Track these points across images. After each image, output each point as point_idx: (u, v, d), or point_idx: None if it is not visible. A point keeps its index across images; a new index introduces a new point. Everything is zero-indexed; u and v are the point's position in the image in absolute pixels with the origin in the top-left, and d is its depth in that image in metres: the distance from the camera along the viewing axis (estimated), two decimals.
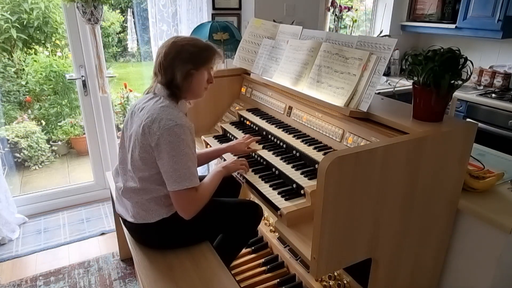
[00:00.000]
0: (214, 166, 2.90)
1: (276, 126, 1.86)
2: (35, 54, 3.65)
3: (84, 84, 2.69)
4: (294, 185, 1.45)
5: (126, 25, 4.19)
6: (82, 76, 2.66)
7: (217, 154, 1.85)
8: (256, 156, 1.74)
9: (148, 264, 1.54)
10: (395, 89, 3.08)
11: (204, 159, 1.85)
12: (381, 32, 3.66)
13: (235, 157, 1.74)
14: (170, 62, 1.45)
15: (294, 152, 1.65)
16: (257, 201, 1.60)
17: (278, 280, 1.98)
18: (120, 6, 3.88)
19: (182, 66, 1.45)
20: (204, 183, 1.53)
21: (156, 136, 1.38)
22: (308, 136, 1.72)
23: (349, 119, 1.51)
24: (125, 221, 1.62)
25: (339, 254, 1.12)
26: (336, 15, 3.39)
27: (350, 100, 1.47)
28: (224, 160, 1.78)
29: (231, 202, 1.72)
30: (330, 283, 1.76)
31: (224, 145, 1.83)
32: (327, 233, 1.05)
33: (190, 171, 1.40)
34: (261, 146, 1.79)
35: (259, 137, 1.85)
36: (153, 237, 1.58)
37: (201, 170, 3.02)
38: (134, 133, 1.47)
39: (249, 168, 1.63)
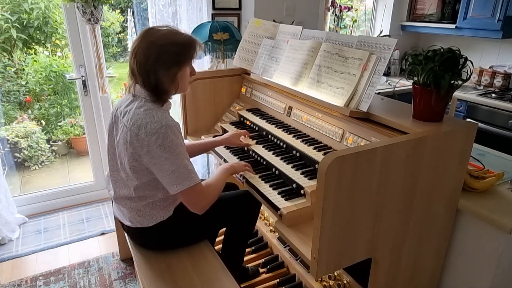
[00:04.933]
0: (215, 165, 2.90)
1: (276, 126, 1.86)
2: (35, 54, 3.65)
3: (84, 84, 2.69)
4: (294, 185, 1.45)
5: (126, 25, 4.19)
6: (82, 76, 2.66)
7: (211, 146, 1.86)
8: (256, 156, 1.74)
9: (148, 264, 1.54)
10: (395, 89, 3.08)
11: (198, 151, 1.85)
12: (381, 32, 3.66)
13: (235, 157, 1.74)
14: (152, 65, 1.35)
15: (294, 152, 1.65)
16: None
17: (278, 280, 1.98)
18: (120, 6, 3.88)
19: (166, 70, 1.37)
20: (211, 179, 1.51)
21: (145, 142, 1.32)
22: (308, 136, 1.72)
23: (349, 119, 1.51)
24: (123, 224, 1.62)
25: (339, 254, 1.12)
26: (336, 15, 3.39)
27: (350, 100, 1.47)
28: (225, 161, 1.77)
29: (226, 196, 1.70)
30: (330, 283, 1.76)
31: (219, 137, 1.84)
32: (327, 233, 1.05)
33: (188, 169, 1.36)
34: (254, 141, 1.81)
35: (249, 133, 1.89)
36: (152, 240, 1.58)
37: (201, 170, 3.03)
38: (121, 141, 1.41)
39: (255, 173, 1.61)
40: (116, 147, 1.47)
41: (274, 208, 1.36)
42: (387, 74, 3.76)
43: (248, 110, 2.12)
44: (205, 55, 2.49)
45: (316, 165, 1.49)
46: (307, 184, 1.40)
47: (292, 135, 1.74)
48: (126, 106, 1.42)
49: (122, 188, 1.51)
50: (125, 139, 1.39)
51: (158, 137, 1.31)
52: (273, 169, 1.60)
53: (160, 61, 1.35)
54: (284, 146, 1.73)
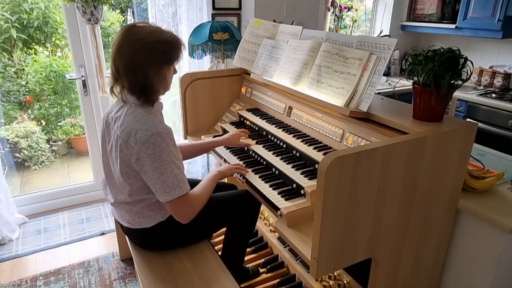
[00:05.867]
0: (214, 165, 2.90)
1: (276, 126, 1.86)
2: (35, 54, 3.65)
3: (84, 84, 2.69)
4: (294, 185, 1.45)
5: None
6: (82, 76, 2.66)
7: (211, 146, 1.86)
8: (256, 156, 1.74)
9: (148, 264, 1.54)
10: (395, 89, 3.08)
11: (198, 151, 1.85)
12: (381, 32, 3.66)
13: (235, 157, 1.75)
14: (141, 64, 1.31)
15: (294, 152, 1.65)
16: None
17: (278, 280, 1.98)
18: (120, 6, 3.87)
19: (157, 69, 1.34)
20: (199, 188, 1.50)
21: (134, 150, 1.30)
22: (308, 136, 1.72)
23: (349, 119, 1.51)
24: (122, 225, 1.62)
25: (339, 254, 1.12)
26: (336, 15, 3.39)
27: (350, 100, 1.47)
28: (225, 161, 1.78)
29: (225, 196, 1.70)
30: (330, 283, 1.76)
31: (219, 138, 1.84)
32: (327, 233, 1.05)
33: (178, 178, 1.34)
34: (254, 141, 1.81)
35: (249, 132, 1.90)
36: (152, 240, 1.58)
37: (201, 170, 3.03)
38: (113, 148, 1.40)
39: (248, 170, 1.62)
40: (109, 154, 1.46)
41: (274, 208, 1.36)
42: (387, 74, 3.76)
43: (248, 110, 2.12)
44: (205, 55, 2.49)
45: (316, 165, 1.49)
46: (307, 184, 1.40)
47: (292, 135, 1.74)
48: (117, 112, 1.41)
49: (118, 194, 1.51)
50: (115, 146, 1.37)
51: (148, 146, 1.29)
52: (273, 169, 1.60)
53: (149, 59, 1.32)
54: (284, 146, 1.73)
